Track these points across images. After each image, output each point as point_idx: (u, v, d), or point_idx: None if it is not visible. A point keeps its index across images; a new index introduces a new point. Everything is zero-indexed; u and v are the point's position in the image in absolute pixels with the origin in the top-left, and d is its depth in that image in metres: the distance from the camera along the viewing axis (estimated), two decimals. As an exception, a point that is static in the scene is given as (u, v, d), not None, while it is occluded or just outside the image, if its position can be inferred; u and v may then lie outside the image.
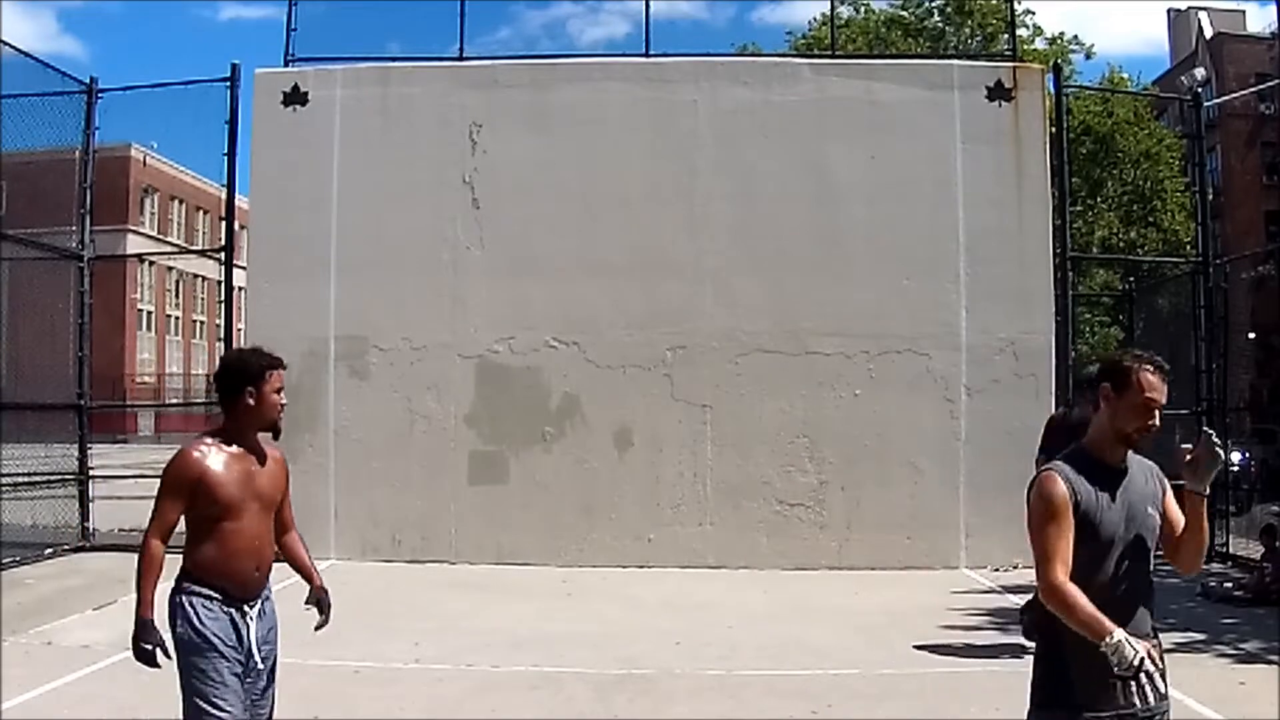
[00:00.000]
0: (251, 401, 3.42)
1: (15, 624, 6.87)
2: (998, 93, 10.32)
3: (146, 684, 5.80)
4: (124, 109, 11.07)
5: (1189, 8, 40.99)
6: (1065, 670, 2.63)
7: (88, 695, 5.49)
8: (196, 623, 3.27)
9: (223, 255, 11.36)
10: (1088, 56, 25.87)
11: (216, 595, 3.31)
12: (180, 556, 3.35)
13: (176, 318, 50.26)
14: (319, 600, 3.86)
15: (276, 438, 3.55)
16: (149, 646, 3.27)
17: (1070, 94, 16.36)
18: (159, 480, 3.28)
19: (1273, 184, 36.36)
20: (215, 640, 3.27)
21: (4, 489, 9.47)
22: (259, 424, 3.48)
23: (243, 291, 10.78)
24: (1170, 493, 2.83)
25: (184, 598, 3.28)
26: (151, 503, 3.29)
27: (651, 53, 10.75)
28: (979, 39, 23.97)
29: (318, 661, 6.27)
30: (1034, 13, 24.74)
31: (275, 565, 3.58)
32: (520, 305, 10.32)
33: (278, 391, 3.54)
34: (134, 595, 3.25)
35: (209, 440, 3.36)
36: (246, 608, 3.42)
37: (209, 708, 3.22)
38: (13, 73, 9.74)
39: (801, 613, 8.02)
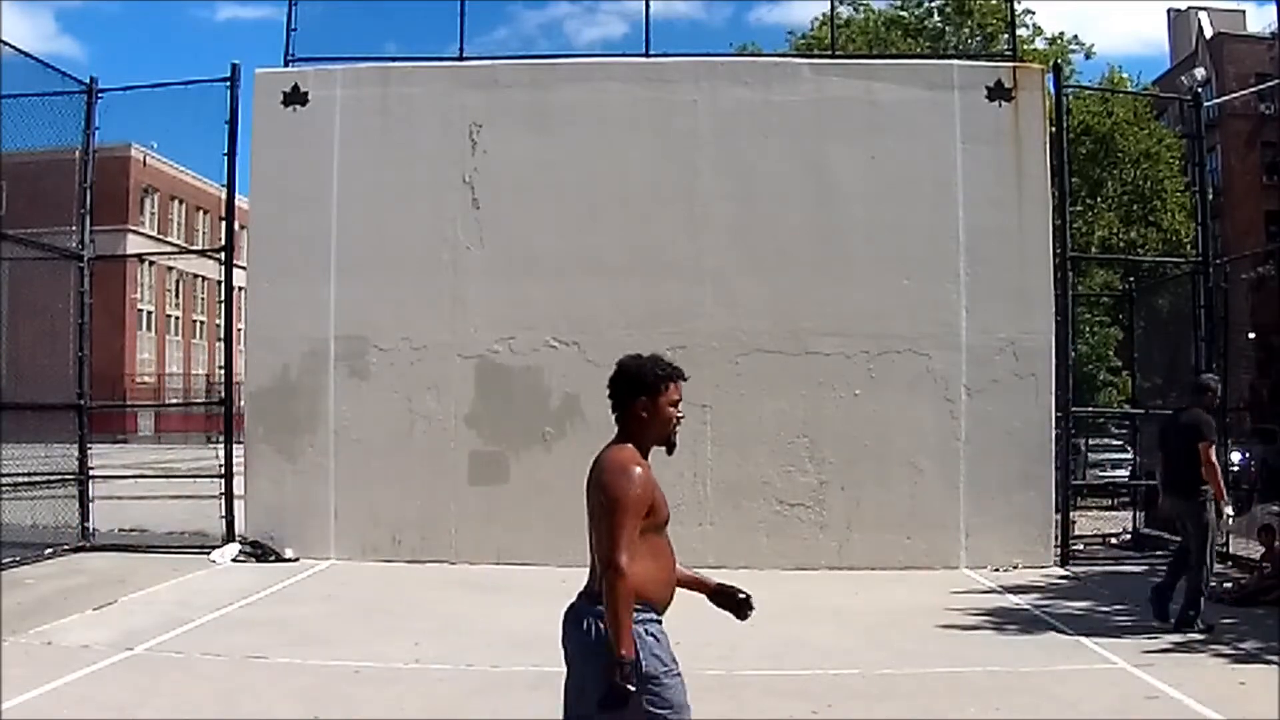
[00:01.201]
0: (645, 414, 3.12)
1: (15, 624, 6.86)
2: (998, 93, 10.32)
3: (146, 684, 5.82)
4: (124, 109, 11.07)
5: (1189, 8, 40.99)
6: None
7: (88, 695, 5.49)
8: (656, 649, 2.99)
9: (223, 255, 11.36)
10: (1088, 56, 25.85)
11: (657, 617, 3.07)
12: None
13: (176, 318, 50.27)
14: (742, 599, 3.55)
15: (670, 453, 3.22)
16: (631, 689, 2.84)
17: (1070, 94, 16.35)
18: (611, 499, 2.94)
19: (1273, 184, 36.36)
20: (673, 663, 3.04)
21: (4, 489, 9.47)
22: (653, 438, 3.15)
23: (243, 291, 10.78)
24: None
25: (638, 627, 2.94)
26: (614, 523, 2.94)
27: (651, 53, 10.74)
28: (979, 39, 23.95)
29: (318, 661, 6.29)
30: (1034, 13, 24.74)
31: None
32: (520, 305, 10.32)
33: (674, 404, 3.19)
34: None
35: (630, 448, 3.09)
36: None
37: None
38: (13, 73, 9.73)
39: (801, 613, 8.01)
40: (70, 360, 10.67)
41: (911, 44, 23.08)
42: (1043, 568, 9.79)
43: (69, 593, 8.20)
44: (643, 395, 3.13)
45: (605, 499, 2.95)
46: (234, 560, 9.94)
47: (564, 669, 3.11)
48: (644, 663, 2.90)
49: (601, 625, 2.88)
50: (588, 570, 3.10)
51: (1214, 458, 7.35)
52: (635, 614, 2.91)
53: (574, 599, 3.12)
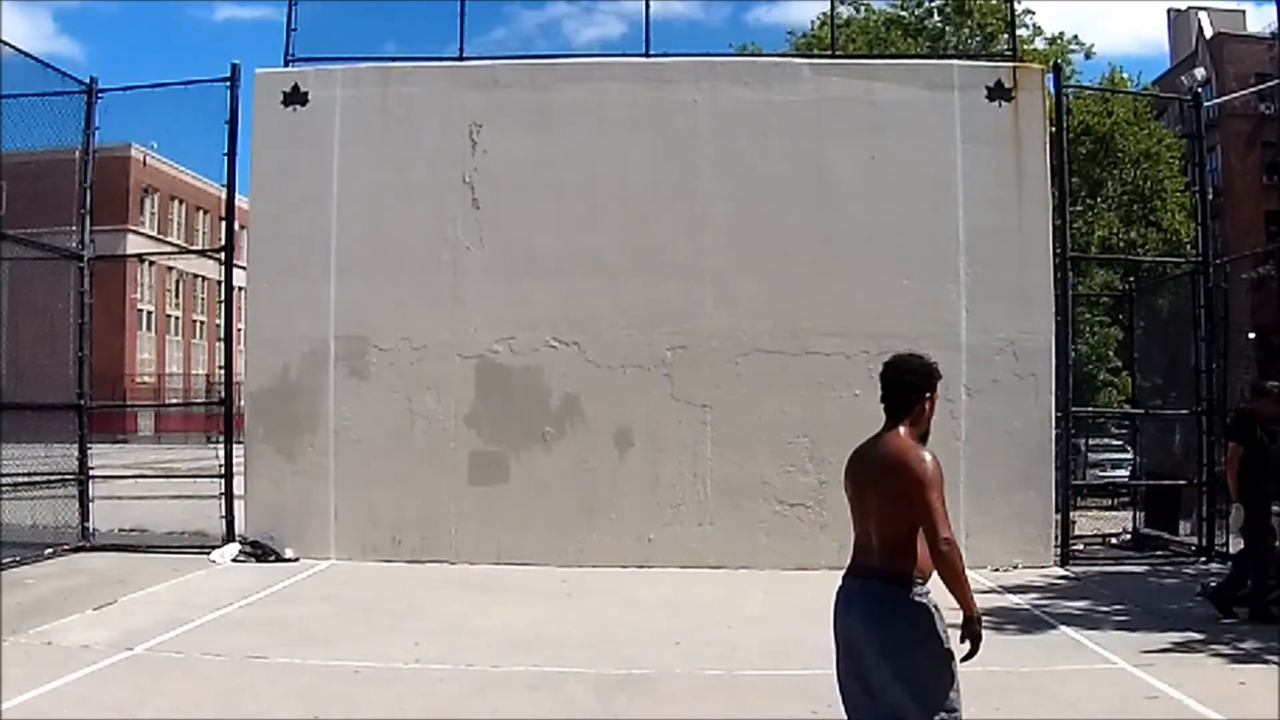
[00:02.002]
0: (926, 407, 3.47)
1: (15, 624, 6.87)
2: (998, 93, 10.32)
3: (146, 684, 5.82)
4: (124, 109, 11.05)
5: (1189, 8, 41.02)
6: None
7: (88, 695, 5.49)
8: (942, 624, 3.27)
9: (223, 255, 11.36)
10: (1088, 56, 25.84)
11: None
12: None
13: (176, 318, 50.29)
14: None
15: (924, 443, 3.46)
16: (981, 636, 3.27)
17: (1070, 94, 16.38)
18: (920, 481, 3.23)
19: (1273, 184, 36.38)
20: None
21: (4, 489, 9.47)
22: (924, 428, 3.47)
23: (243, 291, 10.78)
24: None
25: (927, 599, 3.28)
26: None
27: (651, 53, 10.74)
28: (979, 39, 23.94)
29: (318, 661, 6.30)
30: (1034, 13, 24.76)
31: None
32: (520, 305, 10.32)
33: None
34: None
35: (911, 437, 3.41)
36: None
37: (958, 700, 3.26)
38: (13, 73, 9.72)
39: (802, 613, 7.99)
40: (70, 360, 10.67)
41: (911, 44, 23.07)
42: (1043, 568, 9.80)
43: (69, 593, 8.19)
44: (927, 391, 3.47)
45: (915, 482, 3.23)
46: (234, 560, 9.94)
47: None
48: (943, 637, 3.25)
49: (906, 593, 3.25)
50: (861, 549, 3.39)
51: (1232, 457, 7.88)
52: (919, 587, 3.26)
53: (845, 579, 3.42)
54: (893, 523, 3.29)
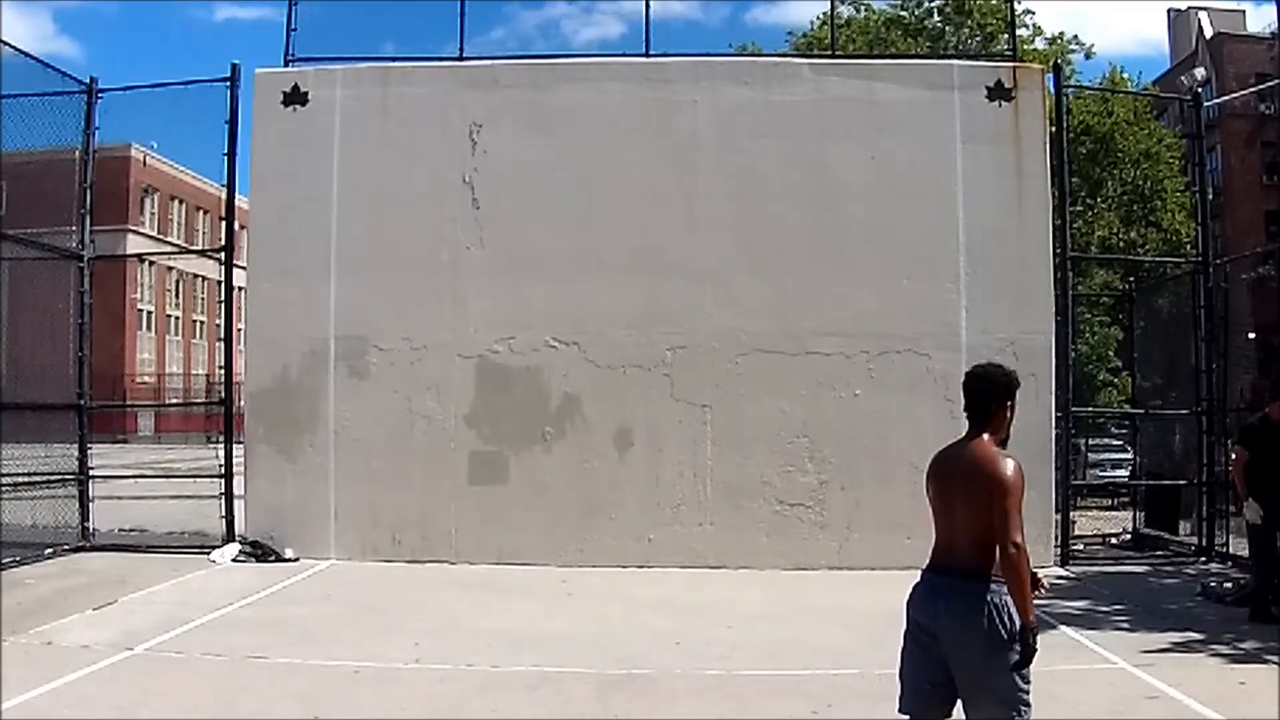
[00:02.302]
0: (1007, 415, 3.72)
1: (15, 624, 6.87)
2: (998, 93, 10.32)
3: (146, 684, 5.82)
4: (124, 109, 11.04)
5: (1189, 8, 41.03)
6: None
7: (88, 695, 5.49)
8: (1019, 622, 3.46)
9: (223, 255, 11.35)
10: (1088, 56, 25.81)
11: None
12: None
13: (176, 318, 50.29)
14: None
15: (1004, 448, 3.68)
16: (1037, 649, 3.48)
17: (1070, 94, 16.37)
18: (1002, 487, 3.47)
19: (1273, 184, 36.39)
20: None
21: (4, 489, 9.47)
22: (1003, 435, 3.71)
23: (243, 291, 10.77)
24: None
25: (1006, 599, 3.47)
26: (1009, 510, 3.46)
27: (651, 53, 10.74)
28: (979, 39, 23.94)
29: (318, 661, 6.30)
30: (1034, 13, 24.80)
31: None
32: (520, 305, 10.32)
33: None
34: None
35: (994, 444, 3.63)
36: None
37: (1029, 693, 3.47)
38: (13, 73, 9.72)
39: (801, 613, 8.02)
40: (70, 360, 10.67)
41: (911, 44, 23.06)
42: (1042, 567, 9.70)
43: (69, 593, 8.20)
44: (1007, 399, 3.72)
45: (998, 487, 3.49)
46: (234, 560, 9.94)
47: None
48: (1018, 635, 3.45)
49: (987, 590, 3.48)
50: (944, 548, 3.67)
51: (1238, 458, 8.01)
52: (999, 585, 3.48)
53: (928, 575, 3.69)
54: (977, 524, 3.53)
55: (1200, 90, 16.51)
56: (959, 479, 3.63)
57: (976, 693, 3.49)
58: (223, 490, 10.58)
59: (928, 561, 3.71)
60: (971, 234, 10.16)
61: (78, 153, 10.79)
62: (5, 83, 9.53)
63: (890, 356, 10.10)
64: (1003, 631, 3.44)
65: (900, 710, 3.70)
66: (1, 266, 9.94)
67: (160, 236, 45.26)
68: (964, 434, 3.72)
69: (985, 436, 3.64)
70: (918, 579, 3.70)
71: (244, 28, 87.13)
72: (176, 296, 49.90)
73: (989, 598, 3.47)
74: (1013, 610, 3.44)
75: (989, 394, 3.71)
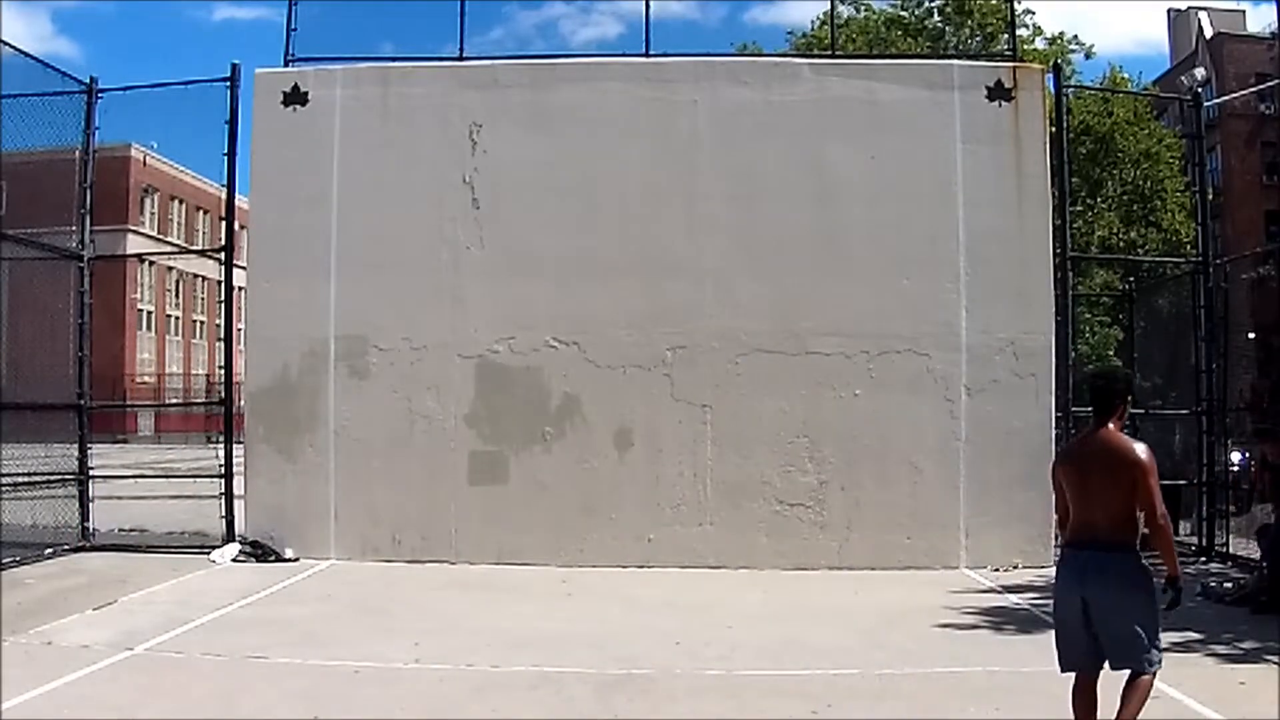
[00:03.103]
0: (1125, 409, 4.48)
1: (15, 624, 6.87)
2: (998, 93, 10.31)
3: (146, 684, 5.82)
4: (124, 109, 11.04)
5: (1189, 8, 41.04)
6: None
7: (87, 695, 5.49)
8: (1166, 576, 4.28)
9: (223, 255, 11.35)
10: (1088, 56, 25.87)
11: None
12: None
13: (176, 318, 50.28)
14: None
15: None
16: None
17: (1070, 94, 16.37)
18: (1145, 469, 4.20)
19: (1273, 184, 36.40)
20: None
21: (4, 489, 9.47)
22: (1123, 424, 4.47)
23: (243, 291, 10.78)
24: None
25: (1145, 562, 4.27)
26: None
27: (651, 53, 10.74)
28: (979, 39, 23.97)
29: (318, 661, 6.30)
30: (1034, 13, 24.75)
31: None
32: (520, 305, 10.32)
33: None
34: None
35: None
36: None
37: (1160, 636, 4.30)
38: (13, 73, 9.72)
39: (801, 613, 8.02)
40: (70, 360, 10.66)
41: (911, 44, 23.09)
42: (1043, 568, 9.76)
43: (69, 593, 8.20)
44: (1129, 394, 4.57)
45: (1141, 470, 4.20)
46: (234, 560, 9.94)
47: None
48: (1156, 591, 4.27)
49: (1136, 559, 4.25)
50: (1085, 525, 4.32)
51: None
52: (1139, 552, 4.25)
53: (1071, 551, 4.41)
54: (1119, 503, 4.21)
55: (1200, 90, 16.53)
56: (1097, 464, 4.26)
57: (1132, 633, 4.19)
58: (223, 490, 10.58)
59: (1067, 539, 4.43)
60: (971, 234, 10.16)
61: (78, 152, 10.79)
62: (5, 83, 9.54)
63: (890, 356, 10.10)
64: (1149, 587, 4.20)
65: (1062, 669, 4.45)
66: (1, 266, 9.94)
67: (160, 236, 45.25)
68: (1089, 427, 4.47)
69: (1112, 426, 4.33)
70: (1059, 556, 4.52)
71: (244, 28, 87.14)
72: (176, 296, 49.89)
73: (1138, 562, 4.21)
74: (1151, 570, 4.20)
75: (1114, 391, 4.42)
